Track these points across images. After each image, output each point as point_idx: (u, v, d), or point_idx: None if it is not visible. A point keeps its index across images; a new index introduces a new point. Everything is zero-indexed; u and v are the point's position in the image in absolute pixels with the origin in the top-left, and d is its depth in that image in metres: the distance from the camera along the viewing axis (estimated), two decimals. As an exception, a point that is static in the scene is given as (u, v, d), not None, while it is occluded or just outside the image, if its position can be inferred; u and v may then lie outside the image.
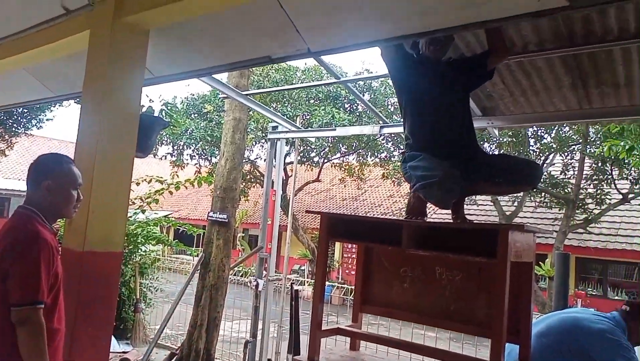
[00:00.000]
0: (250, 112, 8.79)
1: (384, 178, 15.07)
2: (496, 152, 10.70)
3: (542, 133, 11.00)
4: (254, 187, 16.44)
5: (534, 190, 10.47)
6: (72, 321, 2.26)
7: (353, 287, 3.33)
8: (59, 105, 12.76)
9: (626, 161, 8.15)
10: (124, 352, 6.59)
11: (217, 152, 12.54)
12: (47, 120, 12.94)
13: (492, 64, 2.68)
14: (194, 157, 14.88)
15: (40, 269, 1.79)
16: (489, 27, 2.38)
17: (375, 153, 14.42)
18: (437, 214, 12.11)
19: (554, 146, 10.94)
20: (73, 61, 3.30)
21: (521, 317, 2.47)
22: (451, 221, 2.62)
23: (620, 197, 10.67)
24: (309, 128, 10.04)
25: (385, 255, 2.90)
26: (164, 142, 14.45)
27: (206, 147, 13.89)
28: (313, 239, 15.67)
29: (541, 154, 11.17)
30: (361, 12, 2.27)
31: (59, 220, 2.17)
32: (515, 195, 11.64)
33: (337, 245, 17.62)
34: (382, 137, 13.30)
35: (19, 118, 12.51)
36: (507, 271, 2.09)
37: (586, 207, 11.02)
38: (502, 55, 2.68)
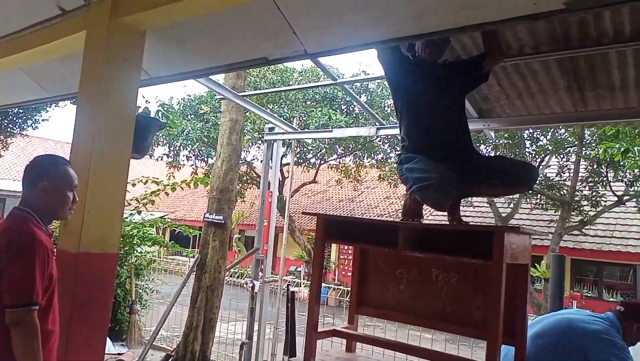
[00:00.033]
0: (247, 113, 8.78)
1: (381, 179, 15.09)
2: (492, 154, 10.73)
3: (538, 136, 11.05)
4: (250, 188, 16.42)
5: (530, 192, 10.51)
6: (67, 322, 2.25)
7: (349, 289, 3.33)
8: (55, 106, 12.69)
9: (621, 163, 8.18)
10: (119, 354, 6.56)
11: (213, 153, 12.52)
12: (42, 120, 12.87)
13: (487, 66, 2.69)
14: (190, 158, 14.86)
15: (35, 271, 1.78)
16: (485, 29, 2.38)
17: (372, 155, 14.45)
18: (433, 216, 12.13)
19: (550, 148, 10.98)
20: (69, 62, 3.29)
21: (517, 319, 2.48)
22: (447, 223, 2.63)
23: (616, 199, 10.72)
24: (306, 130, 10.03)
25: (382, 256, 2.90)
26: (160, 142, 14.43)
27: (202, 148, 13.87)
28: (309, 240, 15.66)
29: (537, 156, 11.21)
30: (358, 14, 2.28)
31: (54, 221, 2.16)
32: (511, 197, 11.68)
33: (334, 246, 17.62)
34: (378, 139, 13.31)
35: (15, 118, 12.45)
36: (502, 273, 2.09)
37: (581, 209, 11.07)
38: (498, 58, 2.69)
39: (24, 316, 1.75)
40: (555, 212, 11.62)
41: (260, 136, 12.04)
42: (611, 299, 13.43)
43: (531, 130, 10.65)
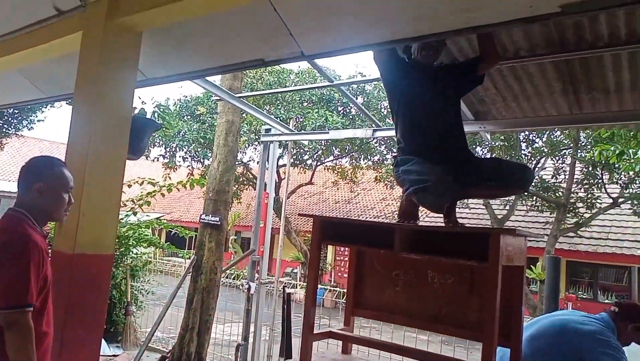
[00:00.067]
0: (243, 115, 8.78)
1: (377, 181, 15.10)
2: (488, 156, 10.76)
3: (534, 138, 11.09)
4: (246, 189, 16.40)
5: (526, 193, 10.54)
6: (62, 324, 2.24)
7: (345, 290, 3.33)
8: (51, 107, 12.66)
9: (616, 165, 8.23)
10: (114, 355, 6.54)
11: (209, 154, 12.50)
12: (38, 121, 12.83)
13: (483, 69, 2.70)
14: (186, 159, 14.83)
15: (29, 272, 1.77)
16: (481, 32, 2.39)
17: (368, 156, 14.45)
18: (429, 217, 12.15)
19: (546, 150, 11.02)
20: (65, 62, 3.28)
21: (512, 321, 2.48)
22: (443, 225, 2.63)
23: (611, 201, 10.76)
24: (302, 131, 10.03)
25: (378, 258, 2.91)
26: (156, 143, 14.39)
27: (199, 149, 13.84)
28: (305, 242, 15.65)
29: (532, 158, 11.25)
30: (354, 16, 2.28)
31: (49, 222, 2.16)
32: (506, 198, 11.71)
33: (330, 248, 17.62)
34: (375, 140, 13.33)
35: (10, 119, 12.40)
36: (498, 275, 2.10)
37: (577, 210, 11.11)
38: (493, 61, 2.70)
39: (18, 317, 1.75)
40: (550, 213, 11.66)
41: (256, 137, 12.03)
42: (606, 301, 13.48)
43: (527, 133, 10.68)
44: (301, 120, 12.34)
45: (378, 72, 2.83)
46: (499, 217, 12.07)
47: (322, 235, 2.69)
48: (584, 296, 14.04)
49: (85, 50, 2.70)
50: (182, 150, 14.31)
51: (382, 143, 13.59)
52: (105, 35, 2.58)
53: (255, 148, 14.34)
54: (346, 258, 15.79)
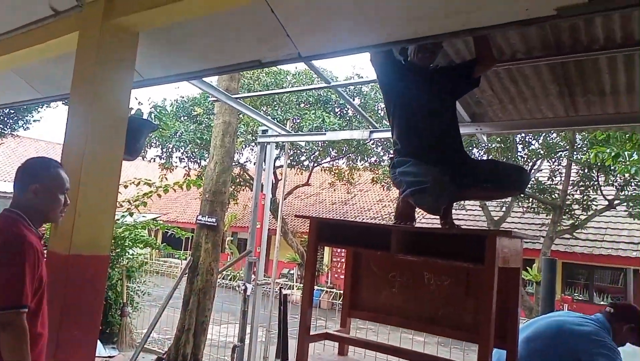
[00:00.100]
0: (240, 116, 8.77)
1: (374, 182, 15.12)
2: (484, 158, 10.78)
3: (530, 140, 11.12)
4: (243, 190, 16.39)
5: (522, 195, 10.57)
6: (57, 325, 2.23)
7: (342, 291, 3.33)
8: (47, 107, 12.61)
9: (612, 168, 8.25)
10: (110, 356, 6.53)
11: (206, 155, 12.48)
12: (34, 121, 12.78)
13: (478, 72, 2.71)
14: (183, 160, 14.81)
15: (24, 273, 1.77)
16: (477, 34, 2.40)
17: (365, 158, 14.48)
18: (425, 219, 12.17)
19: (542, 152, 11.06)
20: (61, 62, 3.27)
21: (508, 322, 2.49)
22: (439, 226, 2.63)
23: (606, 203, 10.80)
24: (299, 132, 10.03)
25: (374, 260, 2.91)
26: (153, 144, 14.37)
27: (195, 150, 13.83)
28: (302, 243, 15.65)
29: (529, 160, 11.28)
30: (351, 18, 2.28)
31: (45, 223, 2.15)
32: (503, 200, 11.74)
33: (326, 249, 17.61)
34: (371, 142, 13.35)
35: (5, 119, 12.35)
36: (494, 277, 2.10)
37: (573, 212, 11.15)
38: (489, 64, 2.71)
39: (13, 318, 1.74)
40: (546, 215, 11.69)
41: (253, 138, 12.03)
42: (602, 302, 13.53)
43: (523, 135, 10.72)
44: (298, 121, 12.35)
45: (374, 74, 2.84)
46: (496, 218, 12.10)
47: (319, 237, 2.69)
48: (580, 298, 14.09)
49: (81, 51, 2.69)
50: (179, 150, 14.30)
51: (379, 144, 13.61)
52: (101, 36, 2.58)
53: (252, 149, 14.34)
54: (343, 260, 15.79)
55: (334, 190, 19.70)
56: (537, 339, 2.68)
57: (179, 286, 6.46)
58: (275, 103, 12.87)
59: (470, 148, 10.72)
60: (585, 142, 9.93)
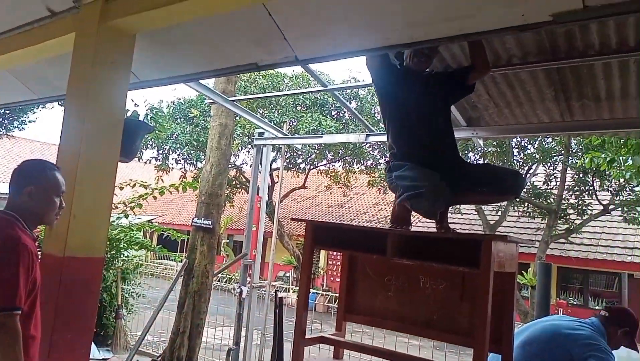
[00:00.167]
0: (237, 118, 8.76)
1: (370, 185, 15.12)
2: (480, 162, 10.81)
3: (526, 144, 11.16)
4: (239, 192, 16.35)
5: (517, 199, 10.59)
6: (51, 327, 2.22)
7: (337, 295, 3.33)
8: (42, 107, 12.56)
9: (607, 173, 8.29)
10: (104, 359, 6.49)
11: (202, 157, 12.47)
12: (29, 121, 12.72)
13: (473, 78, 2.72)
14: (179, 162, 14.77)
15: (19, 275, 1.76)
16: (473, 39, 2.41)
17: (362, 161, 14.47)
18: (421, 222, 12.18)
19: (537, 157, 11.09)
20: (57, 63, 3.26)
21: (504, 326, 2.49)
22: (435, 230, 2.64)
23: (601, 207, 10.84)
24: (296, 135, 10.04)
25: (370, 263, 2.91)
26: (149, 146, 14.32)
27: (192, 152, 13.79)
28: (298, 246, 15.63)
29: (524, 164, 11.31)
30: (348, 22, 2.29)
31: (40, 226, 2.14)
32: (498, 204, 11.76)
33: (322, 252, 17.59)
34: (368, 145, 13.36)
35: (1, 119, 12.28)
36: (490, 281, 2.11)
37: (568, 217, 11.18)
38: (484, 71, 2.73)
39: (6, 320, 1.73)
40: (542, 220, 11.72)
41: (250, 141, 12.01)
42: (597, 307, 13.57)
43: (519, 139, 10.76)
44: (295, 124, 12.35)
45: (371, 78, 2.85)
46: (491, 222, 12.12)
47: (315, 240, 2.69)
48: (575, 303, 14.12)
49: (78, 52, 2.69)
50: (175, 152, 14.25)
51: (376, 147, 13.62)
52: (98, 37, 2.57)
53: (249, 152, 14.31)
54: (338, 263, 15.79)
55: (330, 193, 19.70)
56: (532, 343, 2.68)
57: (174, 289, 6.43)
58: (271, 105, 12.87)
59: (466, 152, 10.75)
60: (581, 147, 9.97)
